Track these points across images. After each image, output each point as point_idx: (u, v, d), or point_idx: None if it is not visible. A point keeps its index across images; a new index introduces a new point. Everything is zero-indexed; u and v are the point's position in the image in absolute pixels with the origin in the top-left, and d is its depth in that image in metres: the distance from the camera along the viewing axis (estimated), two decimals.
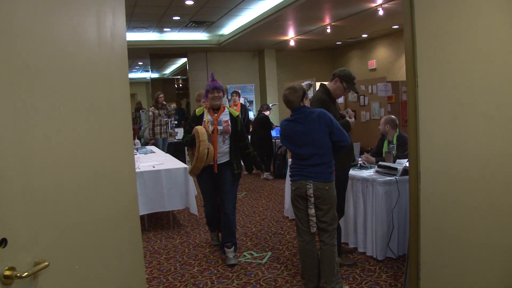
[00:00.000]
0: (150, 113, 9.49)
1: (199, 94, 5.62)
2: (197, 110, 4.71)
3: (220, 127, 4.50)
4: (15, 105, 1.29)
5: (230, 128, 4.53)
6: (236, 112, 4.76)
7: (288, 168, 4.02)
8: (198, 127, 4.42)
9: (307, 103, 3.73)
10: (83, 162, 1.65)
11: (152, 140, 9.46)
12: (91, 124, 1.73)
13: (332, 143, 3.56)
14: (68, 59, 1.58)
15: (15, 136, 1.28)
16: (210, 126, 4.49)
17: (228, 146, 4.56)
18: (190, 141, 4.48)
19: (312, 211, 3.52)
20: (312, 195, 3.50)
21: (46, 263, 1.32)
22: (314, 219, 3.53)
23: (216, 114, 4.56)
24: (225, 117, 4.60)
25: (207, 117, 4.56)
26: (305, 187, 3.52)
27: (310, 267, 3.65)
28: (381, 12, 8.54)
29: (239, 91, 10.73)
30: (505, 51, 2.89)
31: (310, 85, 4.06)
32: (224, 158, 4.56)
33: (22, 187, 1.30)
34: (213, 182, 4.61)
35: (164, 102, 9.69)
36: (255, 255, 4.72)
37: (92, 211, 1.70)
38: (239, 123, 4.63)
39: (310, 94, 7.19)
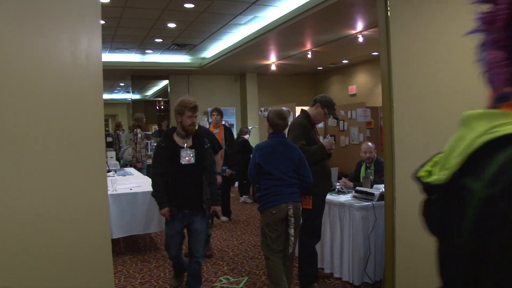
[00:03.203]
0: (139, 135, 8.69)
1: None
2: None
3: None
4: None
5: None
6: None
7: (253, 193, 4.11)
8: None
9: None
10: (53, 187, 1.63)
11: (140, 164, 8.70)
12: (63, 146, 1.71)
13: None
14: (40, 82, 1.57)
15: None
16: None
17: None
18: None
19: (292, 231, 3.64)
20: (292, 215, 3.63)
21: None
22: (293, 239, 3.66)
23: None
24: None
25: None
26: (286, 209, 3.63)
27: (284, 284, 3.68)
28: (361, 39, 8.71)
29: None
30: (478, 79, 2.96)
31: (289, 112, 4.17)
32: None
33: None
34: None
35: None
36: (232, 279, 4.66)
37: (60, 237, 1.67)
38: None
39: (291, 118, 7.24)
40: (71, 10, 1.80)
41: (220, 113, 7.13)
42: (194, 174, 3.84)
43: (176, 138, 3.90)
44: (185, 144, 3.86)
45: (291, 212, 3.63)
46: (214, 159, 4.08)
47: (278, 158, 3.73)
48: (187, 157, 3.81)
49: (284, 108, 4.08)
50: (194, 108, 3.84)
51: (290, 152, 3.76)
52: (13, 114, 1.43)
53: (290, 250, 3.72)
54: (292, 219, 3.64)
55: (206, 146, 3.99)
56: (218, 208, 4.14)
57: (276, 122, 3.83)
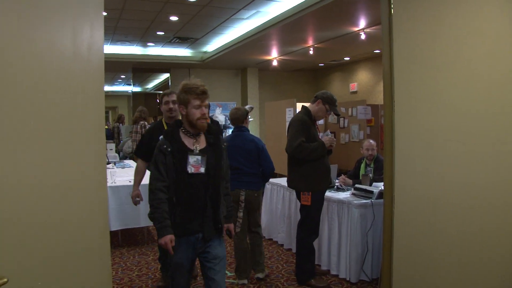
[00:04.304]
0: (147, 127, 7.87)
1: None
2: None
3: None
4: None
5: None
6: None
7: None
8: None
9: (247, 123, 4.44)
10: (52, 177, 1.62)
11: None
12: (62, 138, 1.70)
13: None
14: (41, 73, 1.56)
15: None
16: None
17: None
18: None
19: (240, 214, 4.20)
20: (243, 201, 4.17)
21: (5, 280, 1.28)
22: (241, 220, 4.22)
23: None
24: None
25: None
26: (238, 194, 4.16)
27: (243, 261, 4.32)
28: (363, 36, 8.68)
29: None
30: (479, 79, 2.96)
31: (251, 108, 4.43)
32: None
33: None
34: None
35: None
36: (229, 274, 4.66)
37: (58, 228, 1.66)
38: None
39: (291, 114, 7.20)
40: (72, 0, 1.79)
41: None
42: (207, 187, 2.82)
43: (183, 137, 2.85)
44: (195, 146, 2.84)
45: (242, 197, 4.18)
46: (228, 163, 3.19)
47: (235, 150, 4.15)
48: (196, 164, 2.79)
49: (247, 106, 4.58)
50: (203, 94, 2.79)
51: (247, 144, 4.22)
52: (12, 105, 1.42)
53: (237, 230, 4.15)
54: (243, 204, 4.18)
55: (223, 146, 3.02)
56: (232, 226, 3.11)
57: (235, 117, 4.35)
